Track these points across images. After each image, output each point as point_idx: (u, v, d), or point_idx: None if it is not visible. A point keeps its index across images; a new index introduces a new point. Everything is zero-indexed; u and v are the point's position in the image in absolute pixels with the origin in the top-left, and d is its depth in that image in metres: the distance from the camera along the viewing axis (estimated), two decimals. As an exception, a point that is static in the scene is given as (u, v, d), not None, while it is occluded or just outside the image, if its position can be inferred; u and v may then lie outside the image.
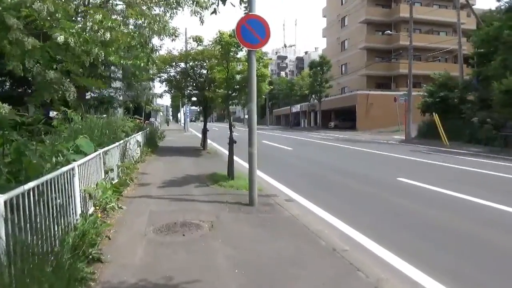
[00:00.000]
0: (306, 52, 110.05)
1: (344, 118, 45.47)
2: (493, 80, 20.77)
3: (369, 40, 42.58)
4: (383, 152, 16.52)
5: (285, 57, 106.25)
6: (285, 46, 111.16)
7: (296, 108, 56.91)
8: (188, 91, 16.43)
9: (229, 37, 7.50)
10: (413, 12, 29.59)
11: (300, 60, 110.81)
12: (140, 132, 13.68)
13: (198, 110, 18.72)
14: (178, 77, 15.71)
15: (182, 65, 15.38)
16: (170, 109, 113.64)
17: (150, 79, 15.88)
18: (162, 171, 10.41)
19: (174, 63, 15.15)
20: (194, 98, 17.05)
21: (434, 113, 23.24)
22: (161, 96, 16.51)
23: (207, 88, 15.18)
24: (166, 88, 16.57)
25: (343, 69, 48.60)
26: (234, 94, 8.73)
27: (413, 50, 41.38)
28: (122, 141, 8.94)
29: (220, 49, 7.72)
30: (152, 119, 37.65)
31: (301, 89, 62.09)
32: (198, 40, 7.48)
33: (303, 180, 9.50)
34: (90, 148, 5.72)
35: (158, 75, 15.80)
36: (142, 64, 14.94)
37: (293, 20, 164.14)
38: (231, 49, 7.49)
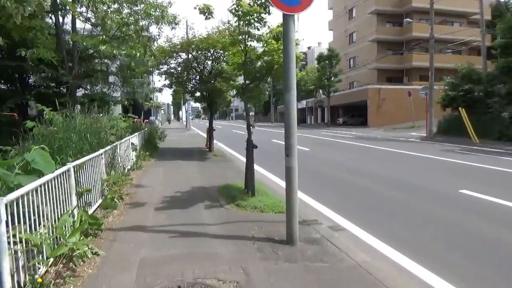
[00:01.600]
0: (309, 47, 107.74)
1: (353, 114, 43.38)
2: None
3: (379, 31, 40.34)
4: (412, 153, 14.48)
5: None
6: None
7: (302, 104, 54.75)
8: (191, 85, 14.43)
9: (249, 6, 5.47)
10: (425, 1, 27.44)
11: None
12: (136, 133, 11.70)
13: (202, 106, 16.61)
14: (179, 69, 13.71)
15: (184, 55, 13.38)
16: (172, 106, 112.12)
17: (147, 71, 13.84)
18: (161, 182, 8.42)
19: (174, 54, 13.14)
20: (197, 94, 15.05)
21: (461, 108, 21.16)
22: (160, 90, 14.53)
23: (212, 81, 13.17)
24: (167, 83, 14.56)
25: (351, 62, 46.43)
26: (252, 84, 6.70)
27: (425, 42, 39.34)
28: (109, 147, 6.95)
29: (238, 22, 5.69)
30: (152, 118, 35.66)
31: (305, 85, 60.10)
32: (207, 11, 5.44)
33: (341, 195, 7.48)
34: (48, 165, 3.74)
35: (157, 68, 13.80)
36: (138, 55, 13.00)
37: (295, 15, 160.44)
38: (252, 21, 5.47)
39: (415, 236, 4.90)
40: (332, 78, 39.40)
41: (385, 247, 4.45)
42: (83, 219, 4.31)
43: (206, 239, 4.48)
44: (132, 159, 10.01)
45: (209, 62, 13.27)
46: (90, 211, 4.96)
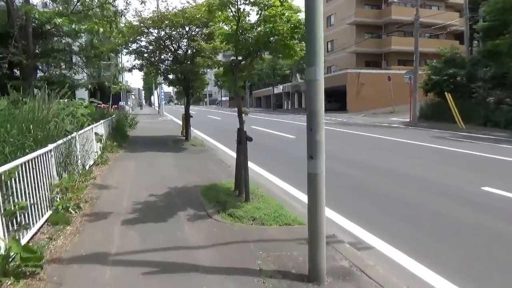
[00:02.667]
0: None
1: (330, 99, 42.48)
2: (508, 56, 18.25)
3: (358, 14, 39.21)
4: (404, 140, 13.55)
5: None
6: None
7: (278, 89, 53.50)
8: (164, 66, 12.83)
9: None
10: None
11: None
12: (101, 122, 10.10)
13: (176, 91, 14.93)
14: (150, 48, 12.07)
15: (156, 32, 11.75)
16: (143, 91, 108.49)
17: (114, 50, 12.12)
18: (131, 180, 6.99)
19: (145, 30, 11.50)
20: (171, 76, 13.46)
21: (446, 92, 20.49)
22: (130, 70, 12.83)
23: (188, 62, 11.66)
24: (137, 63, 12.88)
25: (329, 46, 45.31)
26: (245, 61, 5.33)
27: (404, 26, 38.66)
28: (61, 141, 5.46)
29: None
30: (122, 103, 33.51)
31: (282, 69, 58.79)
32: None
33: (347, 194, 6.30)
34: None
35: (125, 46, 12.08)
36: (101, 30, 11.27)
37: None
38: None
39: (476, 260, 3.78)
40: (310, 62, 38.07)
41: (435, 277, 3.30)
42: (11, 253, 2.92)
43: (194, 275, 3.16)
44: (96, 152, 8.48)
45: (185, 41, 11.71)
46: (27, 237, 3.55)
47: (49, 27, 13.81)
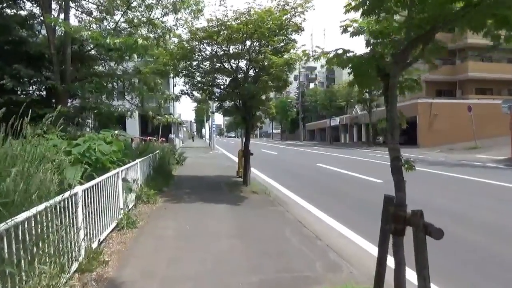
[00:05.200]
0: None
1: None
2: None
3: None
4: None
5: (314, 68, 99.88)
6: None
7: (335, 121, 50.16)
8: (220, 90, 10.31)
9: None
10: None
11: (330, 71, 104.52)
12: (137, 161, 7.54)
13: (227, 122, 12.41)
14: (203, 67, 9.62)
15: (209, 48, 9.31)
16: (194, 124, 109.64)
17: (159, 72, 9.76)
18: (164, 271, 4.12)
19: (197, 45, 9.08)
20: (227, 102, 10.89)
21: None
22: (177, 98, 10.56)
23: (251, 81, 9.04)
24: (186, 88, 10.47)
25: (393, 74, 41.58)
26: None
27: (476, 50, 34.15)
28: (25, 216, 2.73)
29: None
30: (172, 136, 31.83)
31: (336, 101, 55.71)
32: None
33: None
34: None
35: (173, 69, 9.70)
36: (139, 42, 8.85)
37: (321, 28, 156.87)
38: None
39: None
40: (375, 92, 34.64)
41: None
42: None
43: None
44: (122, 208, 5.79)
45: (247, 56, 9.11)
46: None
47: (89, 48, 11.94)
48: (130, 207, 6.50)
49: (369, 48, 3.02)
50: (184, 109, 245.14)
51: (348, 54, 2.96)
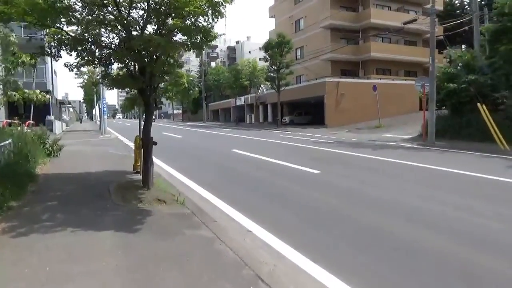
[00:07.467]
0: (237, 42, 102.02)
1: (300, 111, 37.84)
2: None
3: (334, 16, 35.05)
4: (473, 174, 8.62)
5: (216, 46, 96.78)
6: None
7: (240, 100, 48.17)
8: (106, 51, 6.93)
9: None
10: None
11: (231, 49, 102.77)
12: None
13: (129, 95, 8.67)
14: (84, 15, 6.17)
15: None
16: (84, 105, 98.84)
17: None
18: None
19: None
20: (116, 66, 7.55)
21: (480, 104, 16.18)
22: (33, 58, 6.86)
23: (159, 31, 5.94)
24: (51, 44, 6.82)
25: (299, 53, 40.82)
26: None
27: (381, 31, 34.99)
28: None
29: None
30: (51, 117, 26.23)
31: (240, 79, 53.96)
32: None
33: None
34: None
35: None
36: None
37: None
38: None
39: None
40: (283, 70, 33.12)
41: None
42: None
43: None
44: None
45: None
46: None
47: None
48: None
49: None
50: (73, 88, 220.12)
51: None
